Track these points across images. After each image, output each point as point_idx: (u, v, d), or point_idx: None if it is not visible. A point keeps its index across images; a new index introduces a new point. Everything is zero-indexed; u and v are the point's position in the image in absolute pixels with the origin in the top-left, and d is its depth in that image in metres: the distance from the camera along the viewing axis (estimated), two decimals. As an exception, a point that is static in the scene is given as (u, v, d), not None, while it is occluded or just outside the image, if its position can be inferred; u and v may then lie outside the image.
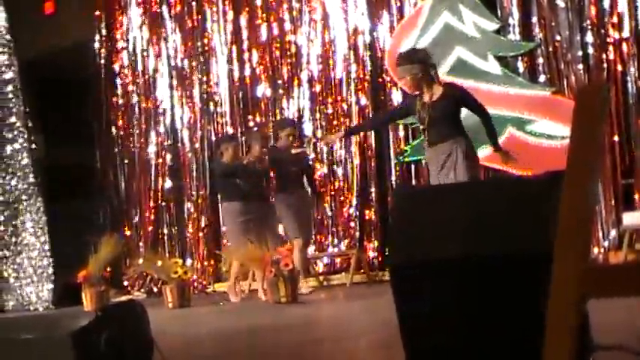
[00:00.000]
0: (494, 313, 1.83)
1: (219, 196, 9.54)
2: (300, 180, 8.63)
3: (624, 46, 8.47)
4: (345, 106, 10.52)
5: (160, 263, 8.86)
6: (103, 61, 12.33)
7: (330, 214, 10.53)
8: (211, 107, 11.57)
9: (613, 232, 8.33)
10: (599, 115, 1.24)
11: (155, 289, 11.21)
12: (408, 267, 1.91)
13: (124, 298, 9.17)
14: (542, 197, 1.75)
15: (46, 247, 10.47)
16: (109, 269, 10.07)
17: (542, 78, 9.05)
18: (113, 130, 12.23)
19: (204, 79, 11.65)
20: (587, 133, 1.22)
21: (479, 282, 1.82)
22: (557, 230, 1.16)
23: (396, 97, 10.00)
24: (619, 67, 8.50)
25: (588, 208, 1.16)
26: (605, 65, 8.57)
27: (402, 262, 1.92)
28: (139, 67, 12.16)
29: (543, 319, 1.16)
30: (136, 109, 12.19)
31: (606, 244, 8.26)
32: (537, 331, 1.18)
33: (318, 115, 10.70)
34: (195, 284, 10.88)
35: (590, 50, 8.67)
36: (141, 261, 9.56)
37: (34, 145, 10.76)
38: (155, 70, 12.05)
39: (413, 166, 9.87)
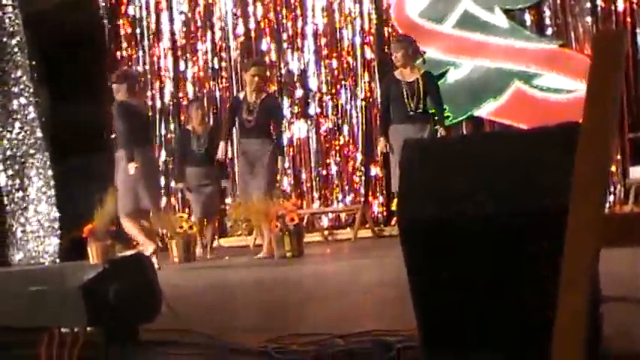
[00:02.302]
0: (509, 269, 1.82)
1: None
2: (260, 131, 7.53)
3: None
4: (350, 60, 10.45)
5: (165, 218, 8.88)
6: (107, 14, 12.22)
7: (335, 169, 10.53)
8: (215, 63, 11.50)
9: (619, 187, 8.31)
10: (616, 63, 1.22)
11: (160, 244, 11.26)
12: (419, 221, 1.89)
13: (129, 252, 9.21)
14: (556, 149, 1.73)
15: (53, 201, 10.50)
16: (114, 224, 10.09)
17: (549, 31, 8.96)
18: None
19: (208, 33, 11.55)
20: (604, 82, 1.19)
21: (494, 238, 1.81)
22: (574, 181, 1.15)
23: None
24: (628, 19, 8.39)
25: (605, 159, 1.15)
26: (613, 17, 8.47)
27: (414, 216, 1.91)
28: (144, 19, 12.06)
29: (559, 273, 1.15)
30: (141, 62, 12.12)
31: (612, 198, 8.25)
32: (553, 284, 1.17)
33: (323, 70, 10.63)
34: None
35: (599, 2, 8.56)
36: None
37: (38, 99, 10.72)
38: (157, 30, 11.94)
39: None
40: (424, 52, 9.31)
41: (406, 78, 7.31)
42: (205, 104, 10.84)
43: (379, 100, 7.99)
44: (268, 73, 9.02)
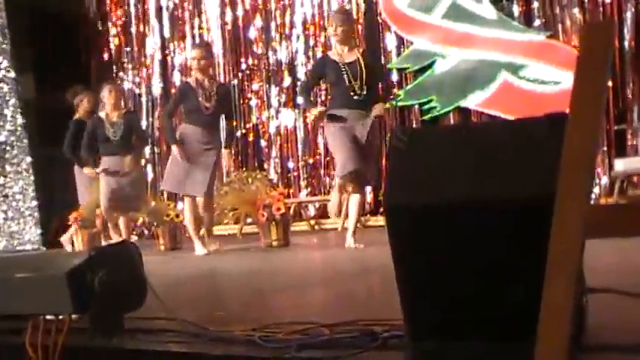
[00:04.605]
0: (494, 258, 1.82)
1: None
2: (212, 120, 7.15)
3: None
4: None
5: (152, 205, 8.87)
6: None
7: (322, 158, 10.53)
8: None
9: (604, 179, 8.35)
10: (604, 54, 1.22)
11: (147, 232, 11.25)
12: (406, 209, 1.89)
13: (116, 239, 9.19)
14: (543, 139, 1.73)
15: (30, 189, 10.44)
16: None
17: (537, 22, 8.97)
18: (104, 70, 12.11)
19: (196, 20, 11.51)
20: (591, 73, 1.20)
21: (479, 227, 1.81)
22: (560, 171, 1.15)
23: (390, 39, 9.90)
24: (615, 11, 8.42)
25: (592, 148, 1.15)
26: (601, 9, 8.49)
27: (401, 203, 1.91)
28: (131, 6, 11.99)
29: (544, 262, 1.15)
30: (128, 48, 12.06)
31: (597, 190, 8.28)
32: (538, 274, 1.18)
33: (311, 59, 10.61)
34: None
35: (587, -6, 8.59)
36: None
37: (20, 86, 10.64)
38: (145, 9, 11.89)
39: (406, 112, 9.83)
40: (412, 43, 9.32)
41: (345, 58, 6.37)
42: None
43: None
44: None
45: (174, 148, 6.95)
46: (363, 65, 6.34)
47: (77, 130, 8.26)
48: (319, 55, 10.44)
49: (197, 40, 11.38)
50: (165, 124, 7.41)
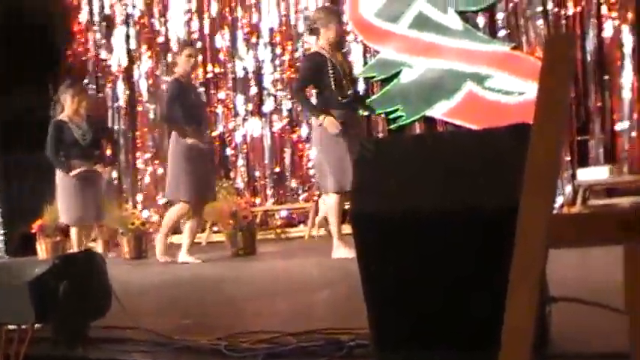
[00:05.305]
0: (459, 267, 1.84)
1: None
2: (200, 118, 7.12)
3: (583, 2, 8.51)
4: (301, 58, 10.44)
5: (117, 214, 8.79)
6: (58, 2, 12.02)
7: (289, 166, 10.53)
8: (169, 58, 11.40)
9: (568, 188, 8.45)
10: (567, 65, 1.24)
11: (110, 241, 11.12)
12: (372, 218, 1.90)
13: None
14: (508, 149, 1.75)
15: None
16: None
17: (501, 33, 9.07)
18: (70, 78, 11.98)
19: (162, 28, 11.46)
20: (555, 84, 1.21)
21: (444, 236, 1.83)
22: (525, 181, 1.16)
23: (355, 49, 9.94)
24: (577, 23, 8.55)
25: (556, 159, 1.17)
26: (563, 22, 8.61)
27: (367, 212, 1.92)
28: (97, 14, 11.90)
29: (508, 271, 1.16)
30: (94, 57, 11.96)
31: (561, 199, 8.38)
32: (503, 283, 1.19)
33: (277, 67, 10.61)
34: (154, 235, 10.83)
35: (550, 6, 8.70)
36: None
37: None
38: (111, 19, 11.81)
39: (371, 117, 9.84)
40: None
41: (335, 57, 6.08)
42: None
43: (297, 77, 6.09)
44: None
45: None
46: (347, 67, 6.22)
47: (59, 132, 7.74)
48: (286, 61, 10.46)
49: (161, 47, 11.33)
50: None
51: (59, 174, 7.64)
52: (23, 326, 2.42)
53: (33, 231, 8.96)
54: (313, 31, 6.25)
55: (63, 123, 7.61)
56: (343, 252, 5.71)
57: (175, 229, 9.66)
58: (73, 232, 7.74)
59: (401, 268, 1.92)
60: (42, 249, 8.89)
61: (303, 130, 10.34)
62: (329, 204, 6.08)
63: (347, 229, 9.20)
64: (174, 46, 11.15)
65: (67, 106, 7.66)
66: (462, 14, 9.31)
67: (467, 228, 1.79)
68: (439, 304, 1.87)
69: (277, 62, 10.61)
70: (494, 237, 1.63)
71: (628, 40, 8.24)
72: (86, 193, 7.59)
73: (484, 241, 1.76)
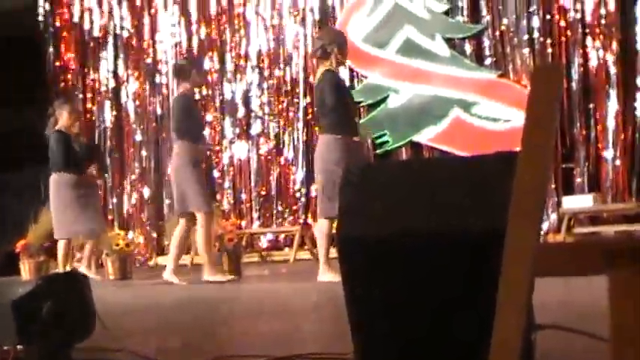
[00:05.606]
0: (446, 292, 1.84)
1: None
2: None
3: (569, 32, 8.61)
4: (289, 83, 10.48)
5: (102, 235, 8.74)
6: (48, 21, 12.02)
7: (275, 189, 10.53)
8: (157, 79, 11.42)
9: (553, 216, 8.50)
10: (554, 94, 1.26)
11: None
12: (358, 241, 1.91)
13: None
14: (494, 176, 1.77)
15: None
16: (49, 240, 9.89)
17: (488, 61, 9.15)
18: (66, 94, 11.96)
19: (151, 49, 11.48)
20: (542, 112, 1.23)
21: (430, 260, 1.83)
22: (511, 208, 1.17)
23: (343, 74, 9.99)
24: (563, 52, 8.65)
25: (542, 187, 1.18)
26: (549, 50, 8.70)
27: (352, 236, 1.92)
28: (86, 30, 11.91)
29: (495, 298, 1.17)
30: (81, 74, 11.96)
31: (545, 226, 8.42)
32: (489, 310, 1.20)
33: (265, 90, 10.65)
34: (139, 257, 10.79)
35: (536, 35, 8.79)
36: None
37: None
38: (100, 37, 11.82)
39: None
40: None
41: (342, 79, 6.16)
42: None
43: (326, 98, 5.81)
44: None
45: None
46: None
47: (68, 140, 7.70)
48: (273, 85, 10.49)
49: (149, 70, 11.35)
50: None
51: (57, 187, 7.62)
52: (5, 347, 2.40)
53: (17, 250, 8.90)
54: (325, 51, 6.15)
55: (65, 133, 7.63)
56: (329, 276, 5.74)
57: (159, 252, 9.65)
58: (60, 248, 7.71)
59: (386, 291, 1.92)
60: (25, 269, 8.83)
61: (290, 154, 10.37)
62: (319, 229, 6.10)
63: (334, 253, 9.25)
64: (162, 67, 11.20)
65: (64, 120, 7.67)
66: (449, 41, 9.40)
67: (453, 252, 1.80)
68: (425, 328, 1.87)
69: (265, 85, 10.65)
70: (481, 261, 1.64)
71: (612, 69, 8.33)
72: (87, 206, 7.64)
73: (471, 266, 1.77)
